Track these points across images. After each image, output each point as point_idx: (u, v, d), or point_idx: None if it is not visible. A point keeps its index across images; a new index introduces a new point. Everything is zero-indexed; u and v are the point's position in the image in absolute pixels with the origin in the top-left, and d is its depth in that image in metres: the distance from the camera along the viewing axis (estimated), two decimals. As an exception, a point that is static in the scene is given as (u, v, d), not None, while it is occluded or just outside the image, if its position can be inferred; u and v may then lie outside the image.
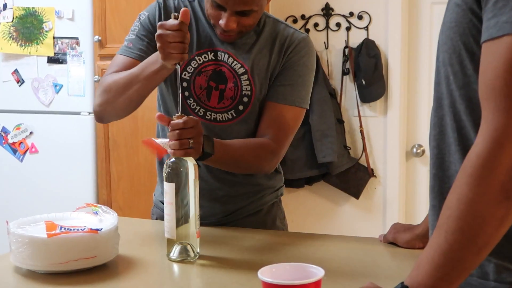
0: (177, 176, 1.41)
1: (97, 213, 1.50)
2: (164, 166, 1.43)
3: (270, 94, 1.72)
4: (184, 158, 1.42)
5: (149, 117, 3.14)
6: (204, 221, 1.77)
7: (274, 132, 1.70)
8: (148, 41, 1.69)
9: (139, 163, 3.26)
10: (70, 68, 3.32)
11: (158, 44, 1.47)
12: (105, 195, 3.32)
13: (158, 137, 1.85)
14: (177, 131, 1.42)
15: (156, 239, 1.65)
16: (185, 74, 1.71)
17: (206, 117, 1.72)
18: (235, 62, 1.69)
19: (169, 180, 1.41)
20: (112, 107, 1.69)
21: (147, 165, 3.23)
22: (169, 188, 1.41)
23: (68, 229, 1.35)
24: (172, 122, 1.44)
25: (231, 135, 1.72)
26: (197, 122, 1.45)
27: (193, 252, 1.43)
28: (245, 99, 1.70)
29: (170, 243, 1.43)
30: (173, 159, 1.42)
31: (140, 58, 1.67)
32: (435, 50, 1.09)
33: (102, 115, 1.73)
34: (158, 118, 1.49)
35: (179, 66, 1.49)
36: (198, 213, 1.45)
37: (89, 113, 3.30)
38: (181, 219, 1.42)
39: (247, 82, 1.69)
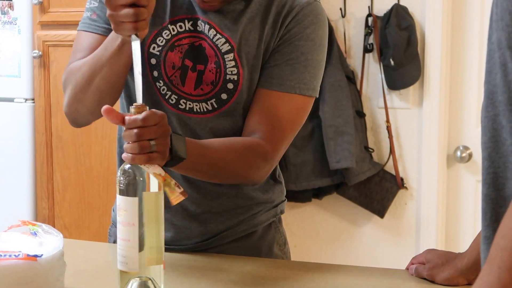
0: (133, 188, 1.41)
1: (35, 234, 1.50)
2: (117, 174, 1.43)
3: (262, 78, 1.72)
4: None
5: (105, 105, 3.14)
6: (175, 245, 1.78)
7: (267, 130, 1.69)
8: None
9: (92, 167, 3.25)
10: (1, 39, 3.31)
11: (107, 12, 1.48)
12: (46, 209, 3.32)
13: (120, 132, 1.85)
14: (135, 131, 1.40)
15: (113, 268, 1.66)
16: (153, 48, 1.71)
17: (180, 106, 1.72)
18: (218, 36, 1.69)
19: (123, 192, 1.41)
20: (83, 105, 1.70)
21: (102, 170, 3.23)
22: (123, 203, 1.41)
23: (-3, 255, 1.35)
24: (128, 118, 1.41)
25: (211, 131, 1.72)
26: (161, 117, 1.43)
27: (156, 289, 1.43)
28: (230, 86, 1.70)
29: (124, 277, 1.43)
30: (128, 165, 1.42)
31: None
32: (488, 23, 1.10)
33: (75, 118, 1.76)
34: (104, 113, 1.42)
35: (137, 40, 1.49)
36: (163, 236, 1.45)
37: (26, 100, 3.29)
38: (139, 243, 1.42)
39: (233, 63, 1.69)
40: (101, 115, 1.73)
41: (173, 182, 1.41)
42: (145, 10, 1.47)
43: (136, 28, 1.47)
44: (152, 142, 1.40)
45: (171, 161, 1.50)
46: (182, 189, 1.41)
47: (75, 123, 1.78)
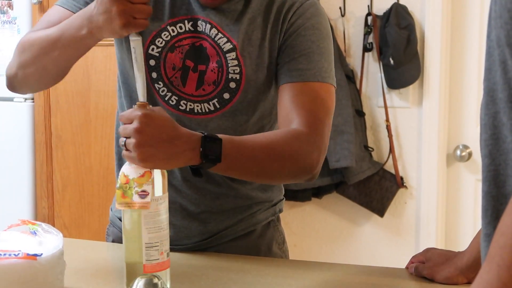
0: None
1: (35, 233, 1.50)
2: (120, 172, 1.44)
3: (282, 75, 1.69)
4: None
5: (105, 105, 3.14)
6: (175, 245, 1.77)
7: (302, 115, 1.62)
8: None
9: (91, 166, 3.25)
10: (0, 38, 3.31)
11: (115, 7, 1.48)
12: (46, 208, 3.32)
13: (117, 132, 1.86)
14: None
15: (113, 267, 1.66)
16: (152, 49, 1.71)
17: (180, 107, 1.72)
18: (220, 35, 1.69)
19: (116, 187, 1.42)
20: (23, 74, 1.72)
21: (102, 170, 3.23)
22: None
23: (-4, 254, 1.35)
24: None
25: (212, 132, 1.71)
26: (136, 117, 1.40)
27: (162, 287, 1.43)
28: (232, 85, 1.70)
29: (131, 274, 1.43)
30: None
31: None
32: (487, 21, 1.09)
33: (12, 82, 1.77)
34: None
35: (140, 37, 1.50)
36: (168, 234, 1.45)
37: (25, 99, 3.29)
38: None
39: (235, 62, 1.69)
40: (36, 90, 1.75)
41: (135, 190, 1.38)
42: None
43: (146, 25, 1.51)
44: (122, 139, 1.42)
45: (205, 164, 1.47)
46: (143, 200, 1.38)
47: (10, 86, 1.79)
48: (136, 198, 1.38)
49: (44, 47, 1.65)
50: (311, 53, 1.68)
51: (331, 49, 1.73)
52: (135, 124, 1.39)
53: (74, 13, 1.69)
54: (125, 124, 1.42)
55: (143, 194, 1.38)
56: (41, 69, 1.68)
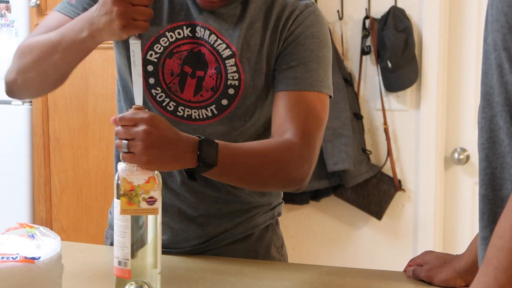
0: None
1: (33, 236, 1.49)
2: (115, 176, 1.43)
3: (278, 82, 1.69)
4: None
5: (103, 108, 3.14)
6: (173, 248, 1.78)
7: (295, 127, 1.63)
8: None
9: (89, 169, 3.25)
10: (-2, 41, 3.31)
11: (116, 8, 1.48)
12: (44, 212, 3.31)
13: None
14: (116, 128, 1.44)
15: (110, 270, 1.65)
16: (151, 55, 1.70)
17: (178, 113, 1.72)
18: (219, 41, 1.68)
19: (119, 195, 1.41)
20: (23, 79, 1.72)
21: (100, 173, 3.23)
22: (118, 205, 1.41)
23: (-6, 257, 1.35)
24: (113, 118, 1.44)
25: (209, 137, 1.71)
26: (143, 120, 1.41)
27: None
28: (231, 91, 1.69)
29: (120, 281, 1.43)
30: None
31: None
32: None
33: (12, 88, 1.76)
34: (113, 123, 1.46)
35: (139, 40, 1.50)
36: (160, 238, 1.45)
37: (23, 102, 3.29)
38: (134, 246, 1.42)
39: (234, 68, 1.68)
40: (35, 96, 1.75)
41: (142, 196, 1.38)
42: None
43: (147, 27, 1.50)
44: (125, 141, 1.41)
45: (200, 168, 1.48)
46: (152, 206, 1.38)
47: (9, 92, 1.79)
48: (144, 205, 1.38)
49: (45, 51, 1.64)
50: (309, 62, 1.68)
51: (329, 57, 1.73)
52: (143, 126, 1.40)
53: (72, 18, 1.69)
54: (125, 126, 1.41)
55: (151, 201, 1.38)
56: (42, 73, 1.68)
